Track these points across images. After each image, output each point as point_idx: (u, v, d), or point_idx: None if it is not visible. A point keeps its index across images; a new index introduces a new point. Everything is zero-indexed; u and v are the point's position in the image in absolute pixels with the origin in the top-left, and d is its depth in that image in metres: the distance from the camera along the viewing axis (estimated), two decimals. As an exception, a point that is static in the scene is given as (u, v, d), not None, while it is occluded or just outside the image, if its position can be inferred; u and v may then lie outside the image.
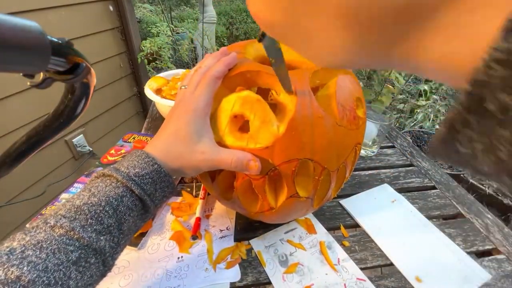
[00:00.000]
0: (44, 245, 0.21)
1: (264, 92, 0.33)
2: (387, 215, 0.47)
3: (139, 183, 0.27)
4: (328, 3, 0.09)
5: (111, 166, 0.28)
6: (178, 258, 0.39)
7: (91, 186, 0.26)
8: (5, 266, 0.19)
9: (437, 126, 1.74)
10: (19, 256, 0.20)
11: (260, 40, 0.23)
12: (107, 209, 0.25)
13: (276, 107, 0.32)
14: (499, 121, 0.07)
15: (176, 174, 0.31)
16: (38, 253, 0.20)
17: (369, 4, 0.08)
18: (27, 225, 0.23)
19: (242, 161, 0.29)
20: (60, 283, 0.20)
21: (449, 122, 0.08)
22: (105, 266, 0.25)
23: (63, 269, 0.21)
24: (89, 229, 0.23)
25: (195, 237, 0.41)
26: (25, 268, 0.19)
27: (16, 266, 0.19)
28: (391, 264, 0.39)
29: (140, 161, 0.28)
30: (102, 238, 0.24)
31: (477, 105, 0.07)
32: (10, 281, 0.18)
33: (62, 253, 0.21)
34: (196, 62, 2.26)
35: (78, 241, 0.22)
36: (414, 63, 0.09)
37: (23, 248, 0.20)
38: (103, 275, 0.25)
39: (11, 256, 0.20)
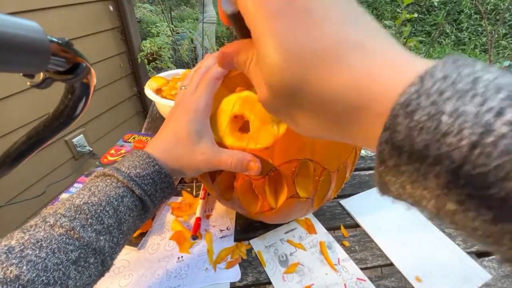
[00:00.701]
0: (44, 244, 0.21)
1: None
2: (387, 215, 0.47)
3: (140, 184, 0.27)
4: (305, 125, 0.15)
5: (112, 166, 0.28)
6: (178, 258, 0.39)
7: (91, 185, 0.26)
8: (4, 265, 0.19)
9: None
10: (18, 255, 0.20)
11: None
12: (108, 209, 0.25)
13: None
14: (398, 171, 0.11)
15: (176, 175, 0.31)
16: (37, 252, 0.20)
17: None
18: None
19: (242, 162, 0.29)
20: (59, 282, 0.20)
21: (377, 174, 0.13)
22: (104, 266, 0.25)
23: (63, 269, 0.21)
24: (89, 229, 0.23)
25: (195, 237, 0.41)
26: (24, 267, 0.19)
27: (15, 265, 0.19)
28: (391, 264, 0.39)
29: (141, 161, 0.28)
30: (102, 238, 0.24)
31: (383, 162, 0.12)
32: (9, 280, 0.18)
33: (61, 253, 0.21)
34: (196, 62, 2.26)
35: (78, 241, 0.22)
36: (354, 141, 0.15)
37: (22, 247, 0.20)
38: (101, 274, 0.25)
39: (9, 255, 0.19)
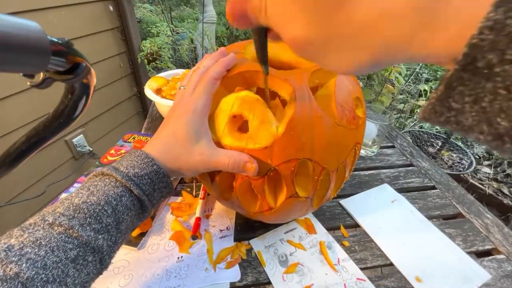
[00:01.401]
0: (43, 243, 0.21)
1: (263, 92, 0.33)
2: (387, 215, 0.47)
3: (138, 184, 0.27)
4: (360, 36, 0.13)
5: (110, 165, 0.28)
6: (178, 258, 0.39)
7: (89, 185, 0.26)
8: (4, 262, 0.19)
9: (437, 126, 1.74)
10: (18, 253, 0.20)
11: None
12: (106, 208, 0.25)
13: (276, 108, 0.32)
14: (485, 76, 0.10)
15: (175, 175, 0.31)
16: (36, 250, 0.20)
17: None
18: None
19: (239, 163, 0.30)
20: (58, 280, 0.20)
21: (446, 81, 0.11)
22: (102, 264, 0.25)
23: (62, 267, 0.21)
24: (88, 227, 0.23)
25: (195, 237, 0.41)
26: (24, 265, 0.19)
27: (15, 263, 0.19)
28: (391, 264, 0.39)
29: (139, 161, 0.28)
30: (100, 237, 0.24)
31: (470, 63, 0.10)
32: (8, 277, 0.18)
33: (60, 251, 0.21)
34: (196, 62, 2.26)
35: (77, 239, 0.23)
36: (413, 52, 0.12)
37: (21, 245, 0.20)
38: (99, 272, 0.25)
39: (9, 253, 0.20)
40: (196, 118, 0.30)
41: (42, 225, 0.22)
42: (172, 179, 0.30)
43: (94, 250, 0.23)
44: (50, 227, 0.22)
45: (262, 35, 0.21)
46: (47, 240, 0.21)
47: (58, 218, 0.23)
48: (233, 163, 0.29)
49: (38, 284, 0.19)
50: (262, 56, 0.24)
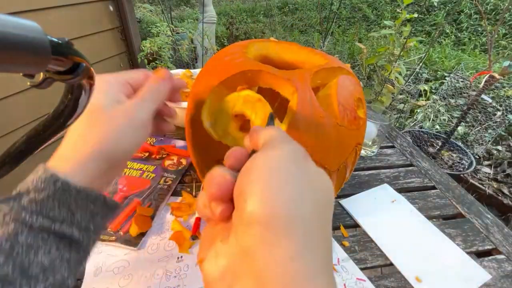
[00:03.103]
0: None
1: (265, 92, 0.33)
2: (387, 215, 0.47)
3: (39, 211, 0.20)
4: None
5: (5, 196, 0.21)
6: (178, 258, 0.39)
7: None
8: None
9: (437, 126, 1.74)
10: None
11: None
12: None
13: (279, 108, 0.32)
14: None
15: (110, 172, 0.23)
16: None
17: None
18: None
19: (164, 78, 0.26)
20: None
21: None
22: None
23: None
24: None
25: (195, 237, 0.41)
26: None
27: None
28: (391, 264, 0.39)
29: (35, 180, 0.21)
30: None
31: None
32: None
33: None
34: (196, 62, 2.26)
35: None
36: None
37: None
38: None
39: None
40: (112, 85, 0.24)
41: None
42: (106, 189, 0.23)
43: None
44: None
45: None
46: None
47: None
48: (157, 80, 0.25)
49: None
50: None
